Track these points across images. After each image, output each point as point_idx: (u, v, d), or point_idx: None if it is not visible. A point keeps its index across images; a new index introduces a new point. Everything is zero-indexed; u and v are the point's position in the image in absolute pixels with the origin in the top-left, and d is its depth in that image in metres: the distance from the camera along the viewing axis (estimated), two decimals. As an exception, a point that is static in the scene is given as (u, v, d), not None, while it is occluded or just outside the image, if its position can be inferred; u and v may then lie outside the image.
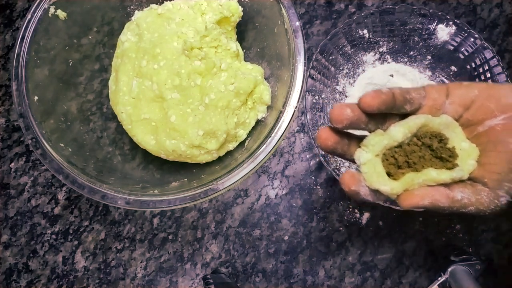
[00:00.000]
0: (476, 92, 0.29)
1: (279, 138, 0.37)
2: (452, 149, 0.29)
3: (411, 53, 0.51)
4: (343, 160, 0.47)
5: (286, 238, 0.50)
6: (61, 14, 0.43)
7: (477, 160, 0.29)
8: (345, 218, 0.50)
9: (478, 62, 0.48)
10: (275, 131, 0.37)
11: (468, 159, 0.29)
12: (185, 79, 0.42)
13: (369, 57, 0.52)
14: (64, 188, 0.53)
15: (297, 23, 0.40)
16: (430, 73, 0.51)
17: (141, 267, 0.50)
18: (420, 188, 0.27)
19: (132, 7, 0.50)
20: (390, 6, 0.49)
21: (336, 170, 0.46)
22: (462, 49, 0.49)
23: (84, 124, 0.46)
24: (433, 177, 0.27)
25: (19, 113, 0.39)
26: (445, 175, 0.27)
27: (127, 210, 0.52)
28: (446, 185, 0.28)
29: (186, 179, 0.42)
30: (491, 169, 0.28)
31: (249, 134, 0.46)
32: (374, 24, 0.50)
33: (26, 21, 0.41)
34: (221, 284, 0.46)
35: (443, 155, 0.28)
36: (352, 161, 0.29)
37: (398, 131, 0.27)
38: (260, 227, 0.50)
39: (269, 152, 0.36)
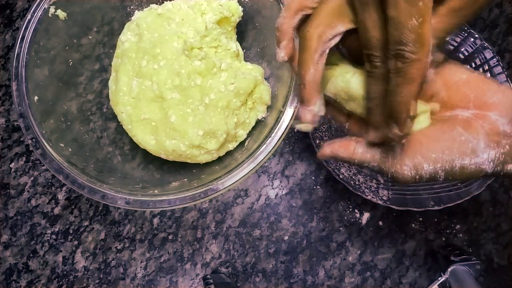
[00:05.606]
0: (465, 77, 0.29)
1: (279, 138, 0.37)
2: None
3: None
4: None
5: (286, 238, 0.50)
6: (61, 14, 0.43)
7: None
8: (345, 218, 0.50)
9: (478, 62, 0.48)
10: (275, 131, 0.37)
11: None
12: (185, 79, 0.42)
13: (369, 57, 0.52)
14: (64, 188, 0.53)
15: (297, 23, 0.40)
16: (430, 73, 0.51)
17: (141, 267, 0.50)
18: (328, 143, 0.31)
19: (132, 7, 0.50)
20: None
21: (336, 170, 0.46)
22: (462, 49, 0.49)
23: (84, 124, 0.46)
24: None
25: (19, 113, 0.39)
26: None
27: (127, 210, 0.52)
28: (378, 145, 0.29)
29: (186, 179, 0.42)
30: (421, 139, 0.27)
31: (249, 134, 0.46)
32: (374, 24, 0.50)
33: (26, 21, 0.41)
34: (221, 284, 0.46)
35: None
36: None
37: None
38: (260, 227, 0.50)
39: (269, 152, 0.36)
